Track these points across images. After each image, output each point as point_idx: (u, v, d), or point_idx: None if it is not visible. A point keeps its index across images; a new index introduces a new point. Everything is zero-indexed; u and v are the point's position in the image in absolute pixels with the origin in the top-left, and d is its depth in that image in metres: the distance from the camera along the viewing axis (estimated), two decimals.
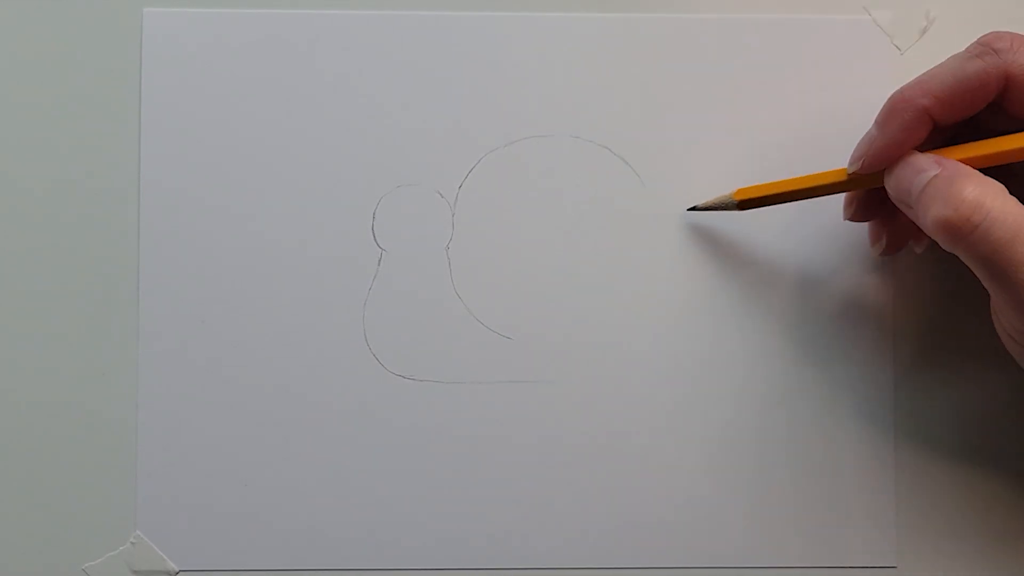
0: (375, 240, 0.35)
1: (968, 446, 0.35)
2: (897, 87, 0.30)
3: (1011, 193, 0.28)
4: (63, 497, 0.35)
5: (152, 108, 0.35)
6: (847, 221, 0.34)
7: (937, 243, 0.28)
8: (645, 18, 0.35)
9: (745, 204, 0.33)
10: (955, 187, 0.28)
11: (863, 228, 0.35)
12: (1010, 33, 0.29)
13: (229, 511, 0.35)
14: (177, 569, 0.35)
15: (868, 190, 0.32)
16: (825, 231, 0.35)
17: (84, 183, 0.35)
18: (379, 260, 0.35)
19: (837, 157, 0.35)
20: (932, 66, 0.35)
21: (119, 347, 0.35)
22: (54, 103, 0.35)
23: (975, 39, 0.30)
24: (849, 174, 0.31)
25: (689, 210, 0.35)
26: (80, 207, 0.35)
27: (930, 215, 0.28)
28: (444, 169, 0.35)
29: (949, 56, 0.30)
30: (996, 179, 0.29)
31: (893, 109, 0.30)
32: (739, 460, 0.35)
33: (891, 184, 0.30)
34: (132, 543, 0.35)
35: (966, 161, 0.29)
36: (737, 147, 0.35)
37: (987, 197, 0.27)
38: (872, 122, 0.31)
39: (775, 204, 0.33)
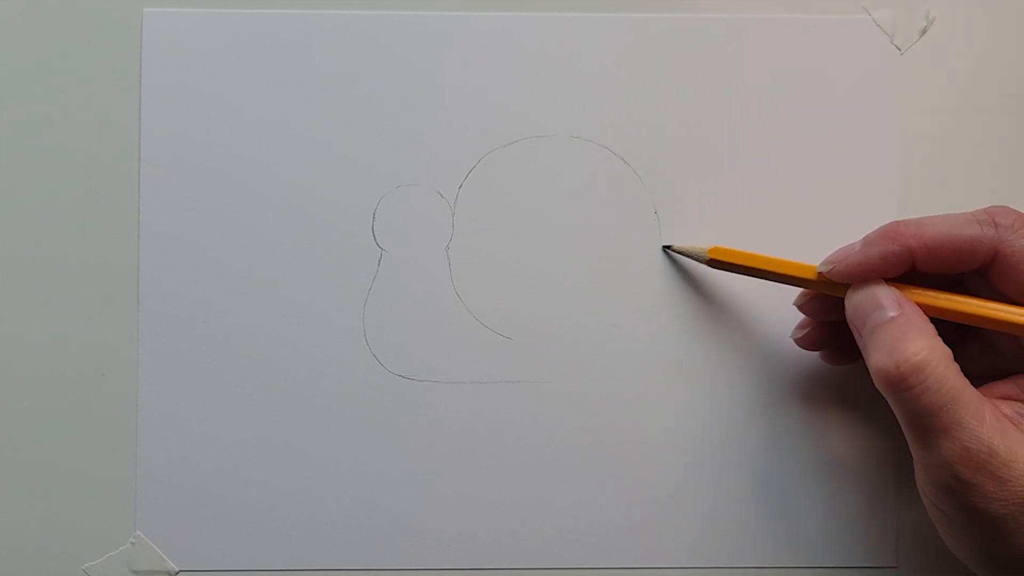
0: (375, 240, 0.35)
1: None
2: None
3: (965, 345, 0.30)
4: (63, 497, 0.35)
5: (152, 108, 0.35)
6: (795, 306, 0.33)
7: None
8: (645, 18, 0.35)
9: (715, 263, 0.33)
10: (904, 341, 0.28)
11: (861, 234, 0.35)
12: (1016, 212, 0.29)
13: (229, 511, 0.35)
14: (177, 569, 0.35)
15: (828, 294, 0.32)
16: (826, 232, 0.35)
17: (84, 183, 0.35)
18: (379, 260, 0.35)
19: (837, 156, 0.35)
20: (932, 67, 0.35)
21: (119, 347, 0.35)
22: (54, 103, 0.35)
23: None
24: (818, 273, 0.31)
25: (664, 247, 0.35)
26: (80, 207, 0.35)
27: (872, 359, 0.28)
28: (444, 169, 0.35)
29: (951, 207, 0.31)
30: (956, 328, 0.29)
31: (883, 235, 0.30)
32: (739, 460, 0.35)
33: (849, 304, 0.30)
34: (132, 543, 0.35)
35: (928, 309, 0.29)
36: (737, 147, 0.35)
37: (930, 362, 0.27)
38: (860, 237, 0.31)
39: (743, 275, 0.33)
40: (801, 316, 0.33)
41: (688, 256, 0.34)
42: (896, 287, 0.30)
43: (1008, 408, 0.29)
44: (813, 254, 0.35)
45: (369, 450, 0.35)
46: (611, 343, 0.35)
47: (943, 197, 0.35)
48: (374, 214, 0.35)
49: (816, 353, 0.34)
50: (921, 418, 0.27)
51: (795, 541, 0.35)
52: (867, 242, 0.30)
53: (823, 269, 0.31)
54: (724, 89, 0.35)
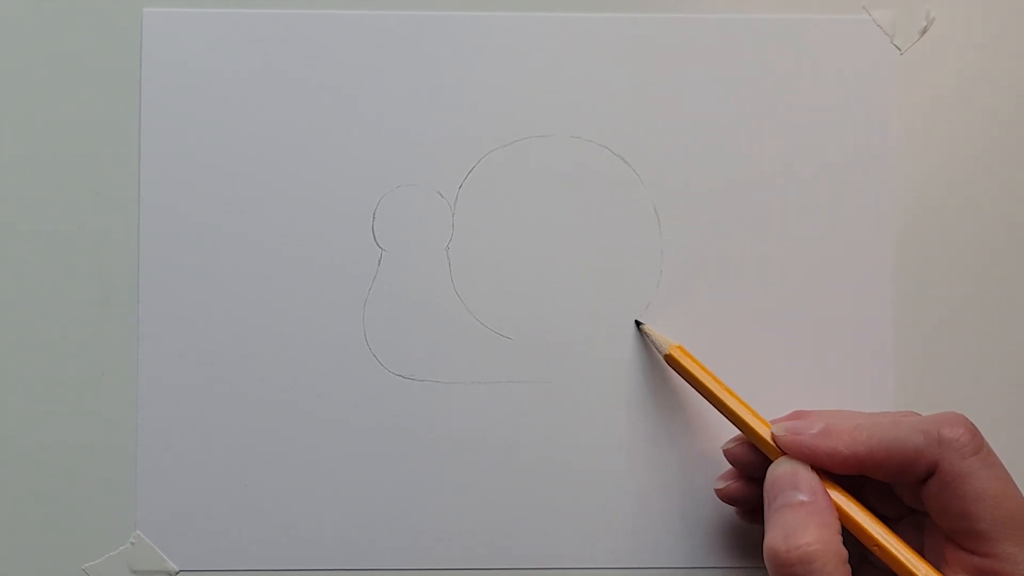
0: (375, 240, 0.35)
1: None
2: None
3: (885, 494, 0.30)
4: (63, 497, 0.35)
5: (152, 108, 0.35)
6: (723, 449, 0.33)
7: None
8: (645, 18, 0.35)
9: (670, 361, 0.33)
10: (803, 529, 0.27)
11: (861, 235, 0.35)
12: (967, 426, 0.28)
13: (229, 511, 0.35)
14: (177, 569, 0.35)
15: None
16: (825, 233, 0.35)
17: (84, 183, 0.35)
18: (379, 260, 0.35)
19: (836, 157, 0.35)
20: (932, 67, 0.35)
21: (119, 347, 0.35)
22: (54, 103, 0.35)
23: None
24: (771, 432, 0.30)
25: (636, 321, 0.35)
26: (80, 207, 0.35)
27: (769, 535, 0.28)
28: (444, 169, 0.35)
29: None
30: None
31: (833, 430, 0.29)
32: None
33: (770, 475, 0.30)
34: (132, 543, 0.35)
35: (843, 515, 0.29)
36: (737, 147, 0.35)
37: (821, 558, 0.27)
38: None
39: (692, 387, 0.33)
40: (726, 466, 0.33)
41: (651, 342, 0.34)
42: (824, 479, 0.29)
43: None
44: (813, 253, 0.35)
45: (369, 450, 0.35)
46: (611, 343, 0.35)
47: (943, 197, 0.35)
48: (374, 214, 0.35)
49: (821, 346, 0.34)
50: None
51: None
52: (824, 432, 0.29)
53: (779, 432, 0.30)
54: (724, 89, 0.35)
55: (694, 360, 0.33)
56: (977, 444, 0.28)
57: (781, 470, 0.30)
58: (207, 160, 0.35)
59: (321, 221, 0.35)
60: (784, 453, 0.30)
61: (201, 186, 0.35)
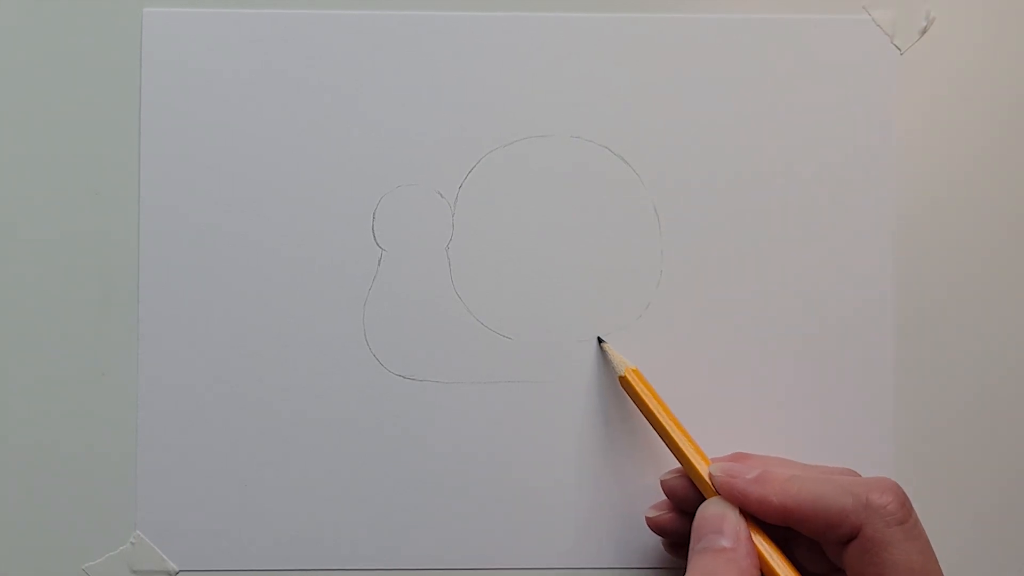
0: (375, 240, 0.35)
1: (968, 446, 0.35)
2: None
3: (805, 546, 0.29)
4: (63, 497, 0.35)
5: (152, 108, 0.35)
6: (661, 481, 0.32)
7: None
8: (645, 18, 0.35)
9: (623, 384, 0.33)
10: None
11: (861, 235, 0.35)
12: (896, 492, 0.28)
13: (229, 511, 0.35)
14: (177, 569, 0.35)
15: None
16: (825, 233, 0.35)
17: (84, 183, 0.35)
18: (379, 260, 0.35)
19: (836, 157, 0.35)
20: (932, 67, 0.35)
21: (119, 347, 0.35)
22: (54, 103, 0.35)
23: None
24: (709, 471, 0.30)
25: (598, 337, 0.35)
26: (80, 207, 0.35)
27: (687, 575, 0.28)
28: (444, 169, 0.35)
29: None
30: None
31: (767, 478, 0.29)
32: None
33: (698, 515, 0.30)
34: (132, 543, 0.35)
35: (765, 565, 0.29)
36: (737, 147, 0.35)
37: None
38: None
39: (642, 413, 0.33)
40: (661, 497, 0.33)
41: (609, 361, 0.34)
42: (753, 526, 0.29)
43: None
44: (813, 253, 0.35)
45: (369, 450, 0.35)
46: (611, 342, 0.35)
47: (943, 197, 0.35)
48: (374, 214, 0.35)
49: (821, 347, 0.34)
50: None
51: None
52: (759, 480, 0.29)
53: (716, 472, 0.30)
54: (724, 89, 0.35)
55: (647, 386, 0.33)
56: (904, 515, 0.28)
57: (711, 511, 0.30)
58: (207, 160, 0.35)
59: (321, 221, 0.35)
60: (718, 493, 0.30)
61: (201, 186, 0.35)
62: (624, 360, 0.34)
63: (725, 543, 0.28)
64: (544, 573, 0.35)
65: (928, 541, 0.28)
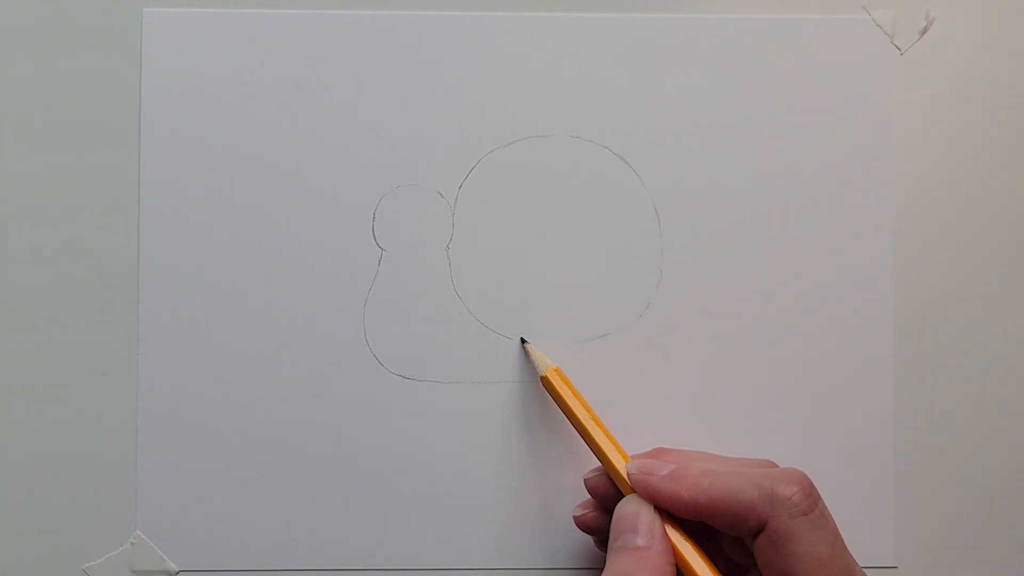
0: (375, 240, 0.35)
1: (968, 446, 0.35)
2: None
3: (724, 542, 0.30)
4: (63, 497, 0.35)
5: (152, 108, 0.35)
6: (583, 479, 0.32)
7: None
8: (645, 18, 0.35)
9: (545, 384, 0.33)
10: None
11: (861, 235, 0.35)
12: (802, 482, 0.28)
13: (229, 511, 0.35)
14: (177, 569, 0.35)
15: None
16: (825, 233, 0.35)
17: (84, 183, 0.35)
18: (379, 260, 0.35)
19: (836, 157, 0.35)
20: (932, 67, 0.35)
21: (119, 347, 0.35)
22: (54, 103, 0.35)
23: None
24: (627, 468, 0.30)
25: (521, 338, 0.35)
26: (81, 207, 0.35)
27: (603, 574, 0.28)
28: (444, 169, 0.35)
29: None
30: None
31: (680, 475, 0.29)
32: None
33: (615, 513, 0.30)
34: (132, 543, 0.35)
35: (681, 560, 0.29)
36: (737, 147, 0.35)
37: None
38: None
39: (563, 413, 0.33)
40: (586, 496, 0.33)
41: (530, 361, 0.34)
42: (669, 522, 0.29)
43: None
44: (812, 253, 0.35)
45: (369, 450, 0.35)
46: (611, 343, 0.35)
47: (943, 197, 0.35)
48: (374, 214, 0.35)
49: (821, 347, 0.34)
50: None
51: None
52: (672, 476, 0.29)
53: (631, 470, 0.30)
54: (724, 89, 0.35)
55: (568, 386, 0.33)
56: (809, 505, 0.28)
57: (626, 510, 0.30)
58: (207, 160, 0.35)
59: (321, 221, 0.35)
60: (634, 491, 0.30)
61: (201, 186, 0.35)
62: (546, 360, 0.34)
63: (640, 541, 0.29)
64: (543, 573, 0.35)
65: (836, 531, 0.28)
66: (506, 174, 0.35)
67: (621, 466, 0.31)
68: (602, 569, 0.34)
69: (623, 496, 0.30)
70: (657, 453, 0.32)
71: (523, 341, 0.35)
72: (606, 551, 0.32)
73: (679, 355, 0.35)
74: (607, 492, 0.32)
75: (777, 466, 0.30)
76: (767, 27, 0.35)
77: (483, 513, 0.35)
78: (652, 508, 0.29)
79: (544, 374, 0.33)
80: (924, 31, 0.35)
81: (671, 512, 0.29)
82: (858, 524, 0.35)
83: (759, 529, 0.28)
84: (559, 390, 0.33)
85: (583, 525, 0.32)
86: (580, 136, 0.35)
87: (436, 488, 0.35)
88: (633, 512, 0.29)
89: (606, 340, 0.35)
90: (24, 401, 0.35)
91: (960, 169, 0.35)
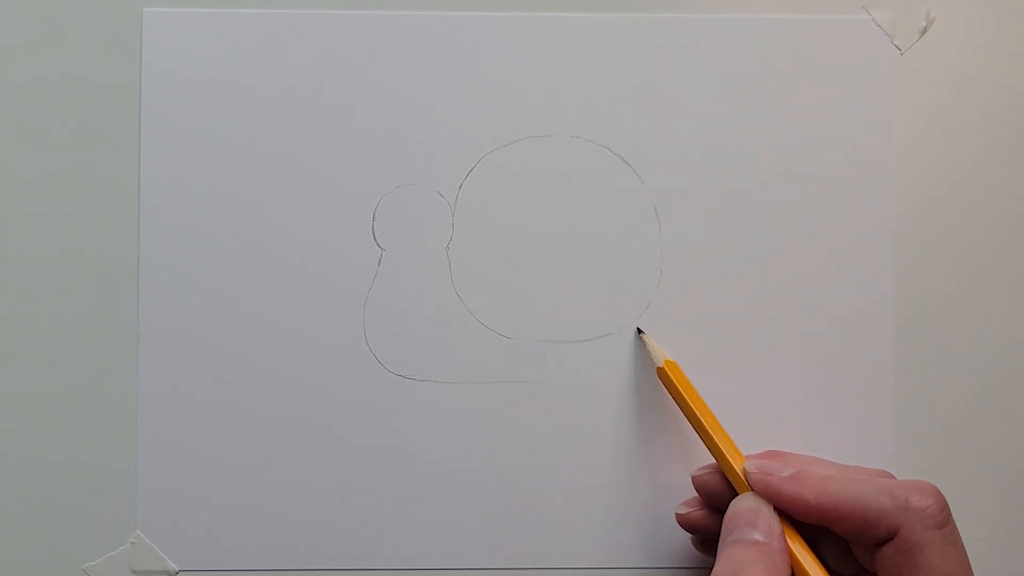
0: (375, 240, 0.35)
1: (969, 447, 0.35)
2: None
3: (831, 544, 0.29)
4: (63, 497, 0.35)
5: (152, 108, 0.35)
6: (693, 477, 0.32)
7: None
8: (645, 18, 0.35)
9: (661, 375, 0.33)
10: (750, 569, 0.27)
11: (861, 235, 0.35)
12: (936, 497, 0.28)
13: (229, 511, 0.35)
14: (177, 569, 0.35)
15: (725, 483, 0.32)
16: (825, 233, 0.35)
17: (84, 183, 0.35)
18: (379, 260, 0.35)
19: (836, 157, 0.35)
20: (932, 67, 0.35)
21: (119, 347, 0.35)
22: (54, 103, 0.35)
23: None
24: (743, 466, 0.30)
25: (637, 328, 0.35)
26: (80, 207, 0.35)
27: (717, 567, 0.28)
28: (444, 169, 0.35)
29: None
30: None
31: (803, 477, 0.29)
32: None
33: (731, 508, 0.30)
34: (132, 543, 0.35)
35: (796, 563, 0.28)
36: (737, 147, 0.35)
37: None
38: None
39: (678, 405, 0.33)
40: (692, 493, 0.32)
41: (647, 351, 0.34)
42: (785, 524, 0.29)
43: None
44: (812, 253, 0.35)
45: (369, 450, 0.35)
46: (611, 343, 0.35)
47: (943, 197, 0.35)
48: (374, 214, 0.35)
49: (821, 347, 0.34)
50: None
51: None
52: (795, 478, 0.29)
53: (751, 469, 0.30)
54: (724, 89, 0.35)
55: (684, 379, 0.33)
56: (943, 518, 0.27)
57: (744, 505, 0.29)
58: (207, 160, 0.35)
59: (321, 221, 0.35)
60: (752, 490, 0.30)
61: (201, 186, 0.35)
62: (663, 351, 0.34)
63: (758, 536, 0.28)
64: (542, 573, 0.35)
65: (964, 549, 0.28)
66: (506, 174, 0.35)
67: (738, 464, 0.31)
68: (608, 569, 0.34)
69: (735, 495, 0.30)
70: (772, 455, 0.32)
71: (639, 331, 0.34)
72: (704, 551, 0.33)
73: (679, 355, 0.35)
74: (717, 490, 0.31)
75: (895, 477, 0.30)
76: (767, 27, 0.35)
77: (483, 513, 0.35)
78: (771, 507, 0.29)
79: (660, 365, 0.33)
80: (924, 31, 0.35)
81: (791, 515, 0.29)
82: None
83: (887, 538, 0.27)
84: (676, 384, 0.33)
85: (687, 523, 0.32)
86: (580, 136, 0.35)
87: (436, 488, 0.35)
88: (752, 508, 0.29)
89: (606, 340, 0.35)
90: (24, 401, 0.35)
91: (960, 169, 0.35)
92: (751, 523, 0.29)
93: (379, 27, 0.35)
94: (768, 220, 0.35)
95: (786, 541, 0.29)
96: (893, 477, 0.30)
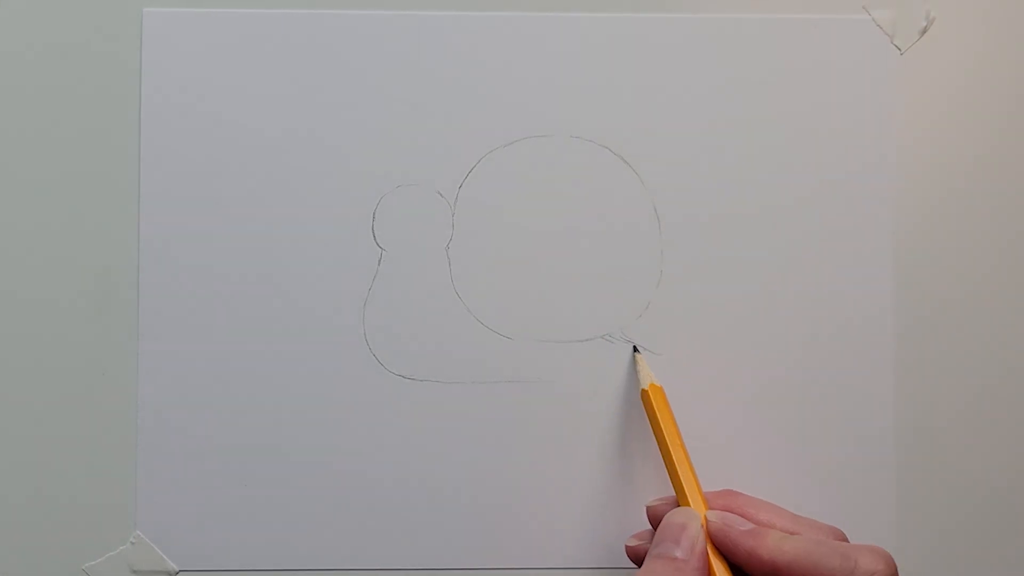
0: (375, 240, 0.35)
1: (969, 448, 0.35)
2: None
3: None
4: (63, 497, 0.35)
5: (152, 108, 0.35)
6: None
7: None
8: (645, 18, 0.35)
9: (643, 397, 0.33)
10: None
11: (860, 235, 0.35)
12: (888, 562, 0.28)
13: (229, 511, 0.35)
14: (177, 569, 0.35)
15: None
16: (825, 232, 0.35)
17: (84, 183, 0.35)
18: (379, 260, 0.35)
19: (836, 156, 0.35)
20: (932, 67, 0.35)
21: (119, 347, 0.35)
22: (54, 103, 0.35)
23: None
24: (706, 514, 0.30)
25: (634, 346, 0.35)
26: (80, 207, 0.35)
27: None
28: (444, 169, 0.35)
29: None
30: None
31: (760, 534, 0.29)
32: (738, 461, 0.35)
33: (664, 519, 0.30)
34: (132, 543, 0.35)
35: (719, 570, 0.29)
36: (737, 147, 0.35)
37: None
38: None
39: (653, 431, 0.33)
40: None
41: (636, 370, 0.34)
42: (711, 545, 0.29)
43: None
44: (812, 254, 0.35)
45: (369, 450, 0.35)
46: (611, 343, 0.35)
47: (943, 197, 0.35)
48: (374, 214, 0.35)
49: (821, 347, 0.34)
50: None
51: None
52: (752, 533, 0.29)
53: (712, 519, 0.30)
54: (724, 89, 0.35)
55: (664, 407, 0.33)
56: None
57: (674, 520, 0.30)
58: (207, 159, 0.35)
59: (321, 221, 0.35)
60: (711, 542, 0.30)
61: (201, 185, 0.35)
62: (651, 375, 0.34)
63: (679, 553, 0.29)
64: (542, 572, 0.35)
65: None
66: (506, 174, 0.35)
67: (700, 510, 0.30)
68: (597, 569, 0.35)
69: None
70: (727, 495, 0.32)
71: (635, 350, 0.35)
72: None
73: (678, 355, 0.35)
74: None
75: (845, 536, 0.30)
76: (767, 27, 0.35)
77: (483, 513, 0.35)
78: (700, 524, 0.29)
79: (645, 388, 0.33)
80: (924, 31, 0.35)
81: (744, 568, 0.29)
82: (859, 526, 0.34)
83: None
84: (656, 410, 0.33)
85: (635, 556, 0.32)
86: (580, 136, 0.35)
87: (436, 488, 0.35)
88: (680, 524, 0.30)
89: (606, 340, 0.35)
90: (24, 400, 0.35)
91: (960, 170, 0.35)
92: (675, 539, 0.29)
93: (379, 27, 0.35)
94: (768, 220, 0.35)
95: (707, 562, 0.29)
96: (846, 538, 0.30)
